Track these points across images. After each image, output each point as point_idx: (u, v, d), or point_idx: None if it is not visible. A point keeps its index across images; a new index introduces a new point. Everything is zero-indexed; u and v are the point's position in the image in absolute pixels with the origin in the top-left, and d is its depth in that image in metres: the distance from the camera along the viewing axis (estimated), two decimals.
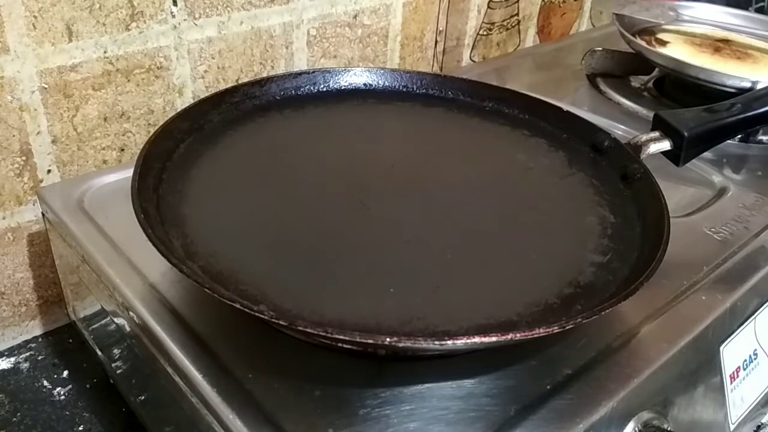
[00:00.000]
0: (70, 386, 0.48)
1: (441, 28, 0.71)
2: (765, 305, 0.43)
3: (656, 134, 0.45)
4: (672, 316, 0.38)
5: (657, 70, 0.68)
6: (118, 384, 0.47)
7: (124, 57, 0.49)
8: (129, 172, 0.38)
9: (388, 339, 0.28)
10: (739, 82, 0.57)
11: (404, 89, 0.55)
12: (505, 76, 0.73)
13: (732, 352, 0.41)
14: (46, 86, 0.46)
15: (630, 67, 0.69)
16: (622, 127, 0.58)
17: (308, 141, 0.47)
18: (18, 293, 0.51)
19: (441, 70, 0.73)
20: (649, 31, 0.73)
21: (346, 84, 0.54)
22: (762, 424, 0.46)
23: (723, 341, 0.40)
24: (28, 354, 0.51)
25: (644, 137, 0.45)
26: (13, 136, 0.46)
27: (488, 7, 0.75)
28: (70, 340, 0.52)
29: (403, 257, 0.37)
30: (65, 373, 0.50)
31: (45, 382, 0.49)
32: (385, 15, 0.64)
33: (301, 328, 0.29)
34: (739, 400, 0.42)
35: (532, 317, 0.33)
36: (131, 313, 0.37)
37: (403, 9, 0.65)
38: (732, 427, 0.42)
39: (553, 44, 0.84)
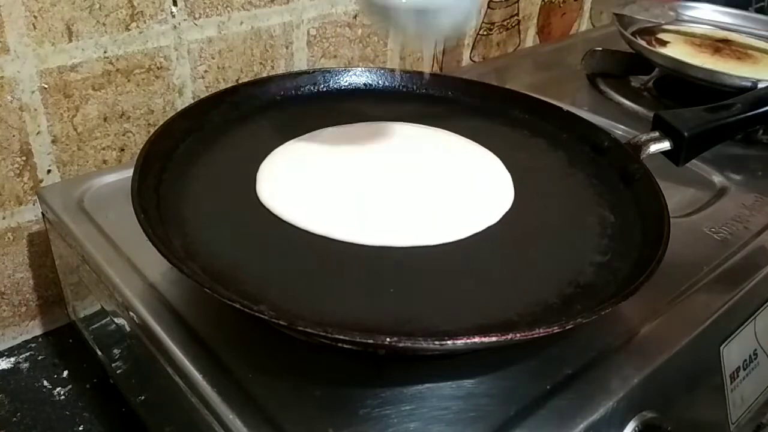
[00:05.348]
0: (70, 386, 0.48)
1: None
2: (765, 305, 0.43)
3: (656, 134, 0.45)
4: (672, 316, 0.38)
5: (657, 70, 0.68)
6: (118, 384, 0.47)
7: (124, 57, 0.49)
8: (129, 172, 0.38)
9: (388, 339, 0.28)
10: (739, 82, 0.57)
11: (404, 89, 0.55)
12: (505, 76, 0.73)
13: (732, 352, 0.41)
14: (46, 86, 0.46)
15: (630, 67, 0.69)
16: (622, 127, 0.58)
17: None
18: (18, 293, 0.51)
19: (441, 70, 0.73)
20: (649, 31, 0.73)
21: (346, 84, 0.54)
22: (762, 423, 0.46)
23: (723, 341, 0.40)
24: (28, 354, 0.51)
25: (644, 137, 0.45)
26: (13, 136, 0.46)
27: (488, 7, 0.75)
28: (70, 340, 0.52)
29: (403, 257, 0.37)
30: (65, 373, 0.50)
31: (45, 382, 0.49)
32: None
33: (301, 328, 0.29)
34: (739, 400, 0.42)
35: (532, 317, 0.33)
36: (131, 313, 0.37)
37: None
38: (732, 427, 0.42)
39: (553, 44, 0.84)
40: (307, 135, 0.47)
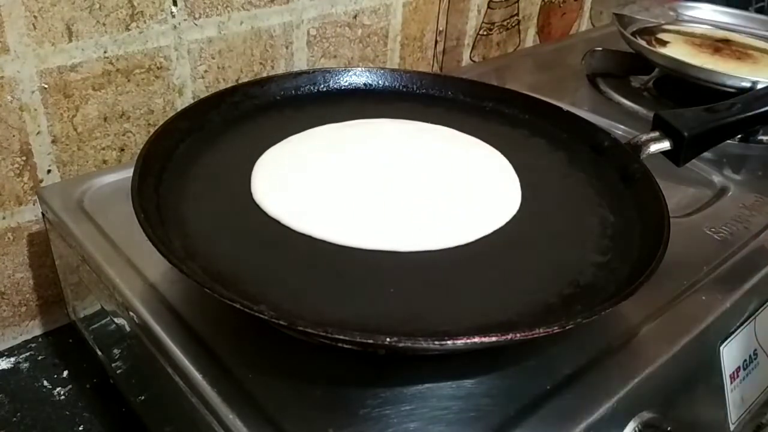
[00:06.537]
0: (70, 386, 0.48)
1: (441, 28, 0.71)
2: (765, 305, 0.43)
3: (656, 134, 0.45)
4: (672, 316, 0.38)
5: (657, 70, 0.68)
6: (118, 384, 0.47)
7: (124, 57, 0.49)
8: (129, 172, 0.38)
9: (388, 339, 0.28)
10: (739, 82, 0.57)
11: (404, 89, 0.55)
12: (505, 76, 0.73)
13: (732, 352, 0.41)
14: (46, 86, 0.46)
15: (630, 67, 0.69)
16: (622, 127, 0.58)
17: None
18: (18, 293, 0.51)
19: (441, 70, 0.73)
20: (649, 31, 0.73)
21: (346, 84, 0.54)
22: (762, 424, 0.46)
23: (723, 341, 0.40)
24: (28, 354, 0.51)
25: (644, 137, 0.45)
26: (13, 136, 0.46)
27: (488, 7, 0.75)
28: (70, 340, 0.52)
29: (403, 258, 0.37)
30: (65, 373, 0.50)
31: (45, 382, 0.49)
32: (385, 15, 0.64)
33: (301, 328, 0.29)
34: (739, 400, 0.42)
35: (532, 317, 0.33)
36: (131, 313, 0.37)
37: (403, 9, 0.65)
38: (732, 427, 0.42)
39: (553, 44, 0.84)
40: (304, 133, 0.47)
